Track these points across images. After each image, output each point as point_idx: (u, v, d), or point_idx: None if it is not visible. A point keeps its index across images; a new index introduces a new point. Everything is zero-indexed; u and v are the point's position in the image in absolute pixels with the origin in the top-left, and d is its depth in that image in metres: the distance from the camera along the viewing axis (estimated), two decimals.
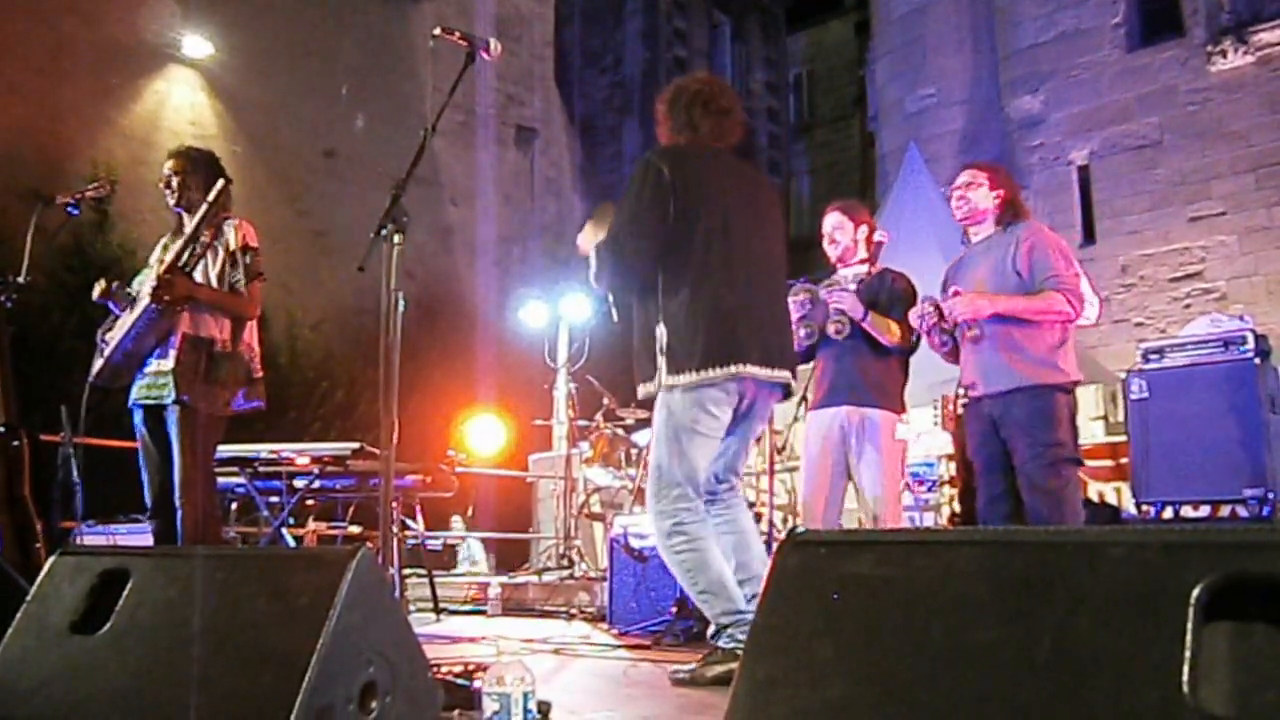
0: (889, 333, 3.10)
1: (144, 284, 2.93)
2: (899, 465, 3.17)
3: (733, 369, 2.35)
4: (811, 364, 3.27)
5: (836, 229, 3.25)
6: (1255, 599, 0.86)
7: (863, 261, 3.25)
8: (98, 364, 3.00)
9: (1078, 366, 2.88)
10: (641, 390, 2.46)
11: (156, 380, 2.89)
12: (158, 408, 2.90)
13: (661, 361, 2.36)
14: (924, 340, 3.24)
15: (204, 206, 2.83)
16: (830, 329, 3.09)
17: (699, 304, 2.35)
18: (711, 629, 2.38)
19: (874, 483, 3.09)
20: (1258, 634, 0.86)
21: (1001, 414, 2.79)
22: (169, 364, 2.86)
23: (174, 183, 3.04)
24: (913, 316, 3.00)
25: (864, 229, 3.25)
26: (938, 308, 2.93)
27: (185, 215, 3.04)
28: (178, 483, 2.78)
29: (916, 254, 3.72)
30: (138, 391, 2.94)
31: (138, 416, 2.96)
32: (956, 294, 2.87)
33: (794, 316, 3.17)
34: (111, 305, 3.01)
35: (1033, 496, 2.71)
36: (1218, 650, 0.86)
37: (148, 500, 2.94)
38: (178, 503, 2.78)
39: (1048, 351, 2.77)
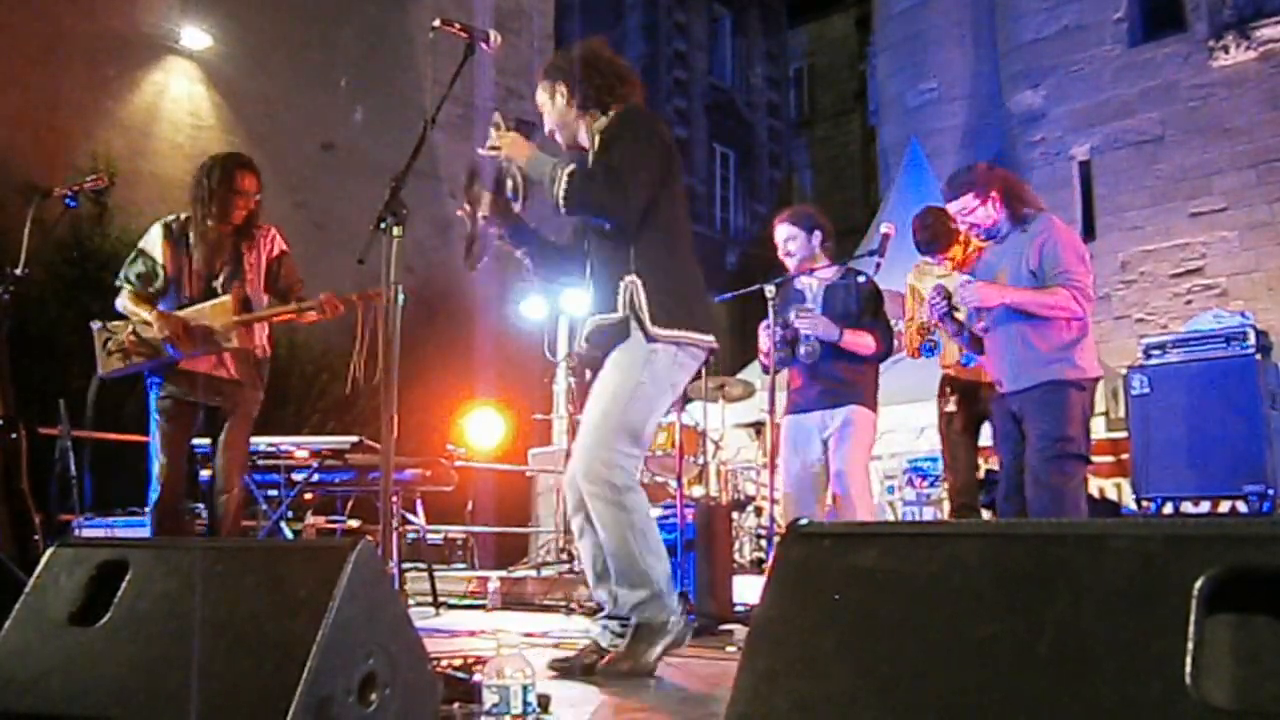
0: (865, 346, 3.16)
1: (210, 315, 2.94)
2: (867, 457, 3.21)
3: (706, 336, 2.35)
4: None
5: (789, 240, 3.27)
6: (1258, 591, 0.86)
7: (826, 266, 3.27)
8: (117, 365, 3.00)
9: (1096, 363, 2.85)
10: (595, 321, 2.31)
11: (209, 382, 2.96)
12: (198, 406, 2.97)
13: (635, 309, 2.25)
14: (910, 339, 3.29)
15: (310, 308, 2.96)
16: (801, 351, 3.15)
17: (687, 270, 2.35)
18: (636, 599, 2.21)
19: (840, 481, 3.14)
20: (1260, 626, 0.86)
21: (1020, 409, 2.81)
22: (225, 371, 2.98)
23: (255, 202, 3.06)
24: (926, 305, 3.02)
25: (818, 234, 3.27)
26: (948, 296, 2.94)
27: (241, 230, 3.03)
28: (224, 475, 2.96)
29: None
30: (175, 389, 2.96)
31: (166, 406, 2.96)
32: (969, 282, 2.87)
33: (768, 343, 3.21)
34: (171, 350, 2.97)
35: (1033, 491, 2.72)
36: (1220, 642, 0.86)
37: (154, 493, 2.92)
38: (222, 493, 2.94)
39: (1062, 348, 2.76)
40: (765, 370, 3.36)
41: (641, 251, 2.28)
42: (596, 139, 2.37)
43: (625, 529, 2.22)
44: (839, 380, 3.15)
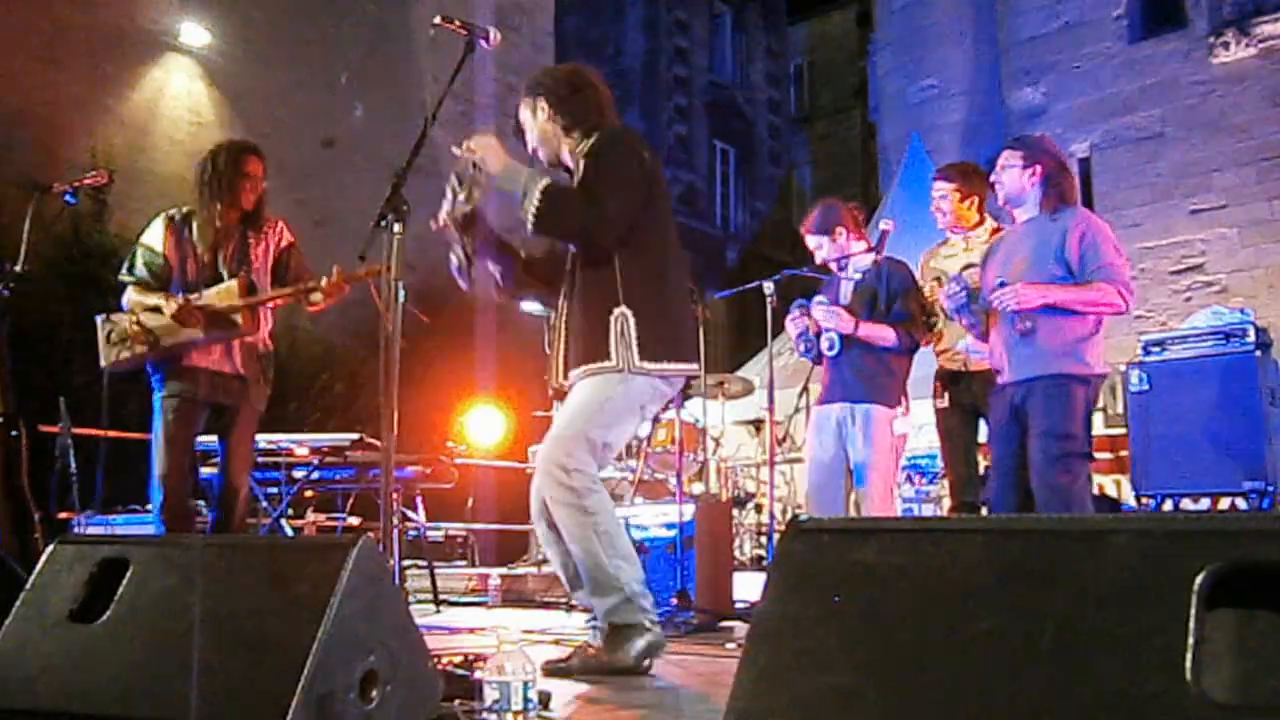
0: (883, 339, 3.14)
1: (216, 300, 2.88)
2: (891, 460, 3.16)
3: (692, 365, 2.36)
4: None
5: (815, 249, 3.32)
6: (1258, 586, 0.86)
7: (867, 251, 3.25)
8: (121, 354, 2.93)
9: (1103, 361, 2.80)
10: (582, 369, 2.27)
11: (214, 380, 2.92)
12: (203, 404, 2.92)
13: (624, 345, 2.23)
14: (924, 336, 3.27)
15: (314, 288, 2.86)
16: (822, 344, 3.17)
17: (669, 296, 2.32)
18: (608, 605, 2.21)
19: (862, 477, 3.12)
20: (1261, 621, 0.86)
21: (1022, 401, 2.77)
22: (231, 367, 2.95)
23: (262, 186, 3.02)
24: (943, 297, 2.99)
25: (841, 230, 3.28)
26: (968, 291, 2.88)
27: (248, 218, 2.99)
28: (235, 474, 2.94)
29: (918, 245, 3.72)
30: (180, 385, 2.90)
31: (173, 405, 2.90)
32: (1003, 284, 2.77)
33: (794, 334, 3.24)
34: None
35: (1040, 491, 2.68)
36: (1221, 637, 0.86)
37: (159, 496, 2.87)
38: (233, 495, 2.93)
39: (1073, 342, 2.71)
40: (808, 360, 3.38)
41: (629, 280, 2.24)
42: (581, 162, 2.32)
43: (589, 532, 2.20)
44: (861, 370, 3.14)
